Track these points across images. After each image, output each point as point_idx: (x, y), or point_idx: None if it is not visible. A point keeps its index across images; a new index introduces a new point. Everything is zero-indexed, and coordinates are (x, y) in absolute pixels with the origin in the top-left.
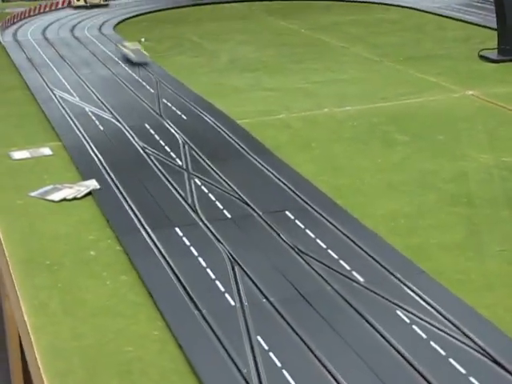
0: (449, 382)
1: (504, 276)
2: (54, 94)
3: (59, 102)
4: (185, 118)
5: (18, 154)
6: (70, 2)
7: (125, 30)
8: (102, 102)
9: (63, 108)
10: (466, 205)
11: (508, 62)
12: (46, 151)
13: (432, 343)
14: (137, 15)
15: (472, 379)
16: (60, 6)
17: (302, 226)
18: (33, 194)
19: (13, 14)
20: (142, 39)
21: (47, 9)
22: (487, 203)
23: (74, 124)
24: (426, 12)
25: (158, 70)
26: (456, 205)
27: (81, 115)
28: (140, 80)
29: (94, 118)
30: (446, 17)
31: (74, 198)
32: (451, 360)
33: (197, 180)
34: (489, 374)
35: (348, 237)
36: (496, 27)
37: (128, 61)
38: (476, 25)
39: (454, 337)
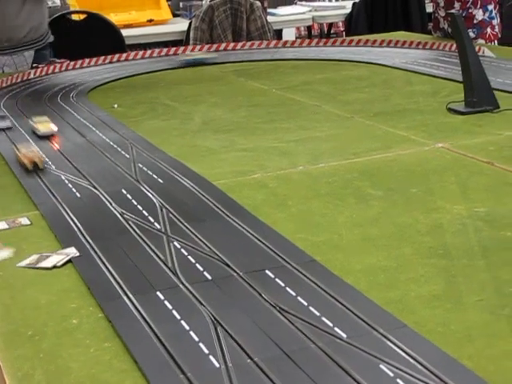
0: None
1: (483, 326)
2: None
3: (35, 171)
4: (161, 181)
5: None
6: None
7: (97, 97)
8: (77, 169)
9: (39, 177)
10: (442, 256)
11: (475, 114)
12: (24, 221)
13: None
14: (109, 81)
15: None
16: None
17: (283, 285)
18: (21, 264)
19: None
20: (115, 105)
21: (19, 79)
22: (463, 254)
23: (51, 192)
24: (394, 68)
25: (131, 135)
26: (433, 257)
27: (57, 183)
28: (115, 146)
29: (70, 185)
30: (413, 72)
31: (54, 267)
32: None
33: (176, 243)
34: None
35: (328, 293)
36: (462, 80)
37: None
38: (443, 78)
39: None
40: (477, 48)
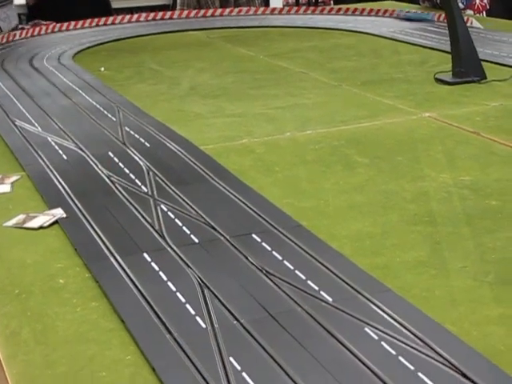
0: None
1: (467, 292)
2: (15, 126)
3: (21, 132)
4: (148, 145)
5: None
6: None
7: (84, 60)
8: (63, 132)
9: (25, 138)
10: (427, 223)
11: (462, 84)
12: (10, 181)
13: (400, 358)
14: (95, 45)
15: None
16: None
17: (269, 249)
18: (7, 223)
19: None
20: (102, 68)
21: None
22: (448, 221)
23: (38, 154)
24: (381, 37)
25: (118, 99)
26: (418, 224)
27: (43, 145)
28: (101, 109)
29: (57, 147)
30: (401, 41)
31: (41, 227)
32: (420, 374)
33: (163, 206)
34: None
35: (314, 258)
36: (450, 50)
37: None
38: (431, 48)
39: (421, 352)
40: (465, 18)
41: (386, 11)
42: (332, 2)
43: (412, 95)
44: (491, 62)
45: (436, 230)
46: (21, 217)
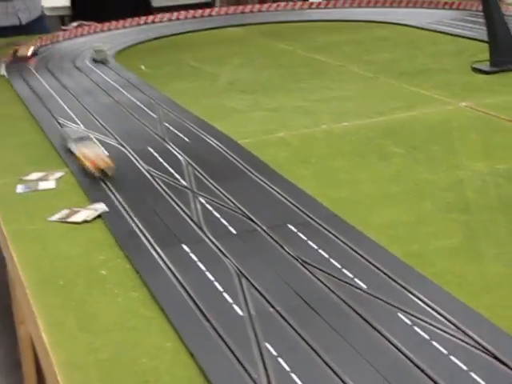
0: (450, 378)
1: (501, 277)
2: (58, 123)
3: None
4: (187, 140)
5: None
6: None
7: (125, 59)
8: (105, 128)
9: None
10: (462, 211)
11: (500, 73)
12: (55, 177)
13: (434, 343)
14: (136, 44)
15: (473, 375)
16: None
17: (305, 238)
18: (52, 218)
19: (15, 49)
20: (142, 66)
21: (49, 41)
22: (483, 209)
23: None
24: (418, 28)
25: (158, 96)
26: (453, 212)
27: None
28: (142, 106)
29: (99, 144)
30: (438, 32)
31: (84, 221)
32: (452, 357)
33: (201, 199)
34: (489, 369)
35: (349, 246)
36: (487, 40)
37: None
38: (468, 38)
39: (454, 336)
40: (502, 7)
41: (423, 2)
42: None
43: (449, 85)
44: None
45: (470, 218)
46: (65, 211)
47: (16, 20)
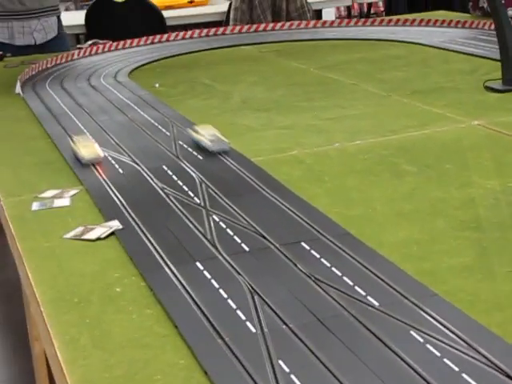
0: None
1: None
2: (73, 142)
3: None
4: (200, 158)
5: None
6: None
7: (139, 77)
8: (119, 146)
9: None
10: (474, 229)
11: None
12: (69, 195)
13: (445, 360)
14: (150, 62)
15: None
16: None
17: (318, 256)
18: (67, 235)
19: (31, 67)
20: (156, 85)
21: (63, 60)
22: (495, 227)
23: (95, 168)
24: (431, 47)
25: (172, 114)
26: (465, 230)
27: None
28: (156, 124)
29: (113, 162)
30: (451, 50)
31: (98, 238)
32: (464, 375)
33: (215, 216)
34: None
35: (362, 264)
36: (500, 58)
37: (201, 148)
38: (480, 57)
39: (466, 353)
40: None
41: (436, 21)
42: (384, 14)
43: (461, 104)
44: None
45: (483, 236)
46: (79, 229)
47: (31, 40)
